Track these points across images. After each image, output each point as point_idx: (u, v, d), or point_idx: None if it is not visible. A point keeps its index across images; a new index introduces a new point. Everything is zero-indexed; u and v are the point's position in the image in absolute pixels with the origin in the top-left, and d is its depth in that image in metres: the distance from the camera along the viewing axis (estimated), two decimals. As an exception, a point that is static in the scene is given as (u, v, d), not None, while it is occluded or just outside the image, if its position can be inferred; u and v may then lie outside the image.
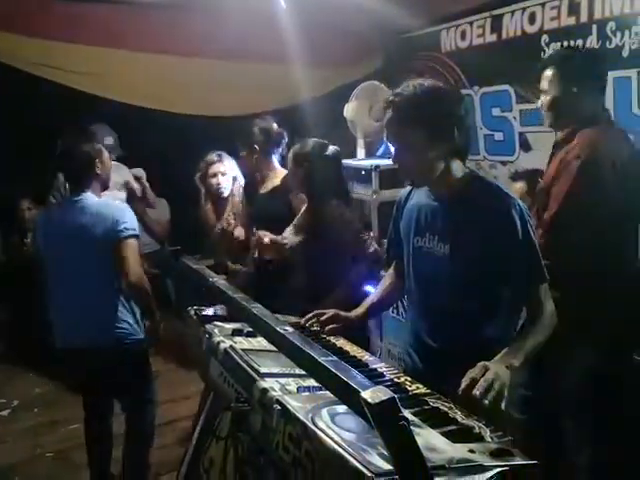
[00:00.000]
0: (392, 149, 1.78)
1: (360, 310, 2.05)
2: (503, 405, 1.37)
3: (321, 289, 2.42)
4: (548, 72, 2.35)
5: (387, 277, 2.12)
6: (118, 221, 2.48)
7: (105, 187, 2.71)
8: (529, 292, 1.69)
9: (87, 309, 2.53)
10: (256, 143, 3.18)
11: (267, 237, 2.73)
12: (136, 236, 2.53)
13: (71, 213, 2.54)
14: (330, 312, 1.99)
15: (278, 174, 3.18)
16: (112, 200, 2.74)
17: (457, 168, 1.74)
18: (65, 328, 2.59)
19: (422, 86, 1.68)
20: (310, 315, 1.99)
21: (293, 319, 1.99)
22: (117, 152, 3.94)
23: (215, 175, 3.48)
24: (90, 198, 2.55)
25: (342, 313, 2.00)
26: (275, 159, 3.24)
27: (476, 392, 1.36)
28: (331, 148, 2.65)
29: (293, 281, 2.64)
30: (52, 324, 2.63)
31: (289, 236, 2.67)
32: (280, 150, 3.24)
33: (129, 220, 2.52)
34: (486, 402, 1.36)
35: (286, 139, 3.24)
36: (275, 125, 3.24)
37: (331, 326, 1.95)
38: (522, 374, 1.71)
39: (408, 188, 1.95)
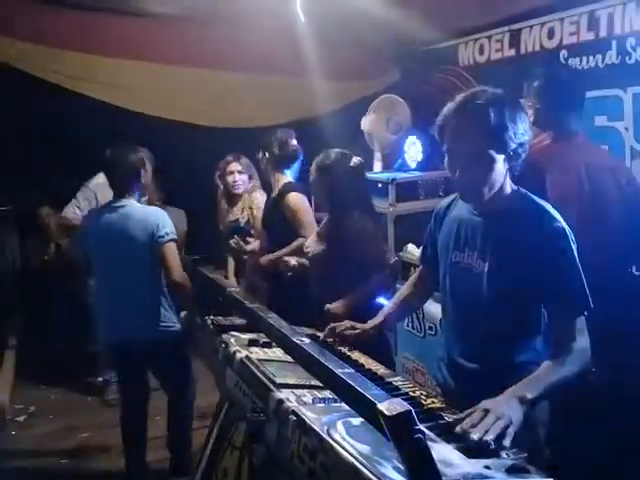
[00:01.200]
0: (451, 161, 1.63)
1: (377, 320, 2.02)
2: (508, 443, 1.26)
3: (337, 299, 2.42)
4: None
5: (408, 285, 2.08)
6: (159, 226, 2.75)
7: (144, 194, 3.00)
8: (563, 322, 1.58)
9: (134, 304, 2.82)
10: (268, 151, 3.28)
11: (293, 260, 2.81)
12: (175, 240, 2.80)
13: (117, 218, 2.80)
14: (344, 324, 1.98)
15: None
16: (151, 207, 2.98)
17: (507, 184, 1.65)
18: (112, 322, 2.90)
19: (493, 95, 1.58)
20: (326, 332, 1.98)
21: (308, 331, 1.99)
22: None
23: (232, 173, 3.78)
24: (133, 204, 2.82)
25: (358, 325, 1.99)
26: (287, 173, 3.30)
27: (473, 437, 1.26)
28: (355, 159, 2.66)
29: (311, 290, 2.64)
30: (97, 320, 3.05)
31: (312, 244, 2.68)
32: (294, 166, 3.31)
33: (169, 226, 2.79)
34: (489, 445, 1.24)
35: (301, 156, 3.31)
36: (293, 140, 3.30)
37: (348, 332, 1.95)
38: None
39: (448, 199, 1.87)
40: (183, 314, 2.90)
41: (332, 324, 2.01)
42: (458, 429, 1.30)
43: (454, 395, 1.66)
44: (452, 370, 1.80)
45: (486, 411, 1.33)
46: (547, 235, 1.58)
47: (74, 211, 3.87)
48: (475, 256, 1.68)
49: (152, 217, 2.78)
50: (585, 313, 1.58)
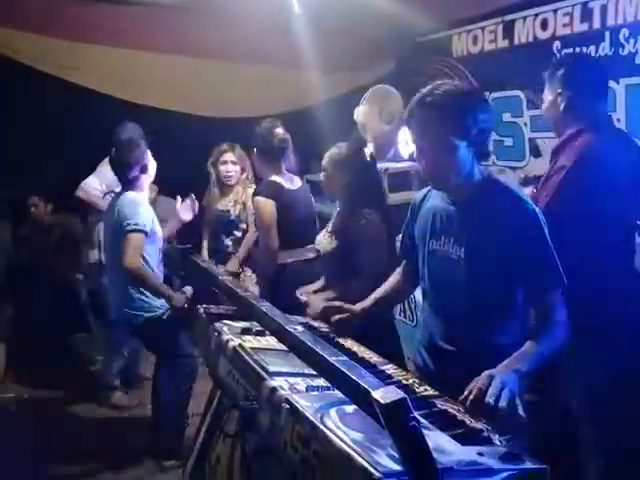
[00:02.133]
0: (417, 150, 1.73)
1: (365, 303, 2.04)
2: (520, 411, 1.33)
3: (350, 295, 2.41)
4: (546, 79, 2.40)
5: (395, 276, 2.12)
6: (126, 216, 2.90)
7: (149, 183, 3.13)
8: (541, 297, 1.66)
9: (116, 289, 3.10)
10: (255, 145, 3.23)
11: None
12: (138, 230, 2.88)
13: (111, 208, 3.04)
14: (335, 303, 2.02)
15: (291, 180, 3.23)
16: (138, 197, 3.02)
17: (477, 171, 1.73)
18: (108, 307, 3.34)
19: (456, 87, 1.68)
20: (322, 310, 2.02)
21: (301, 319, 1.99)
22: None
23: (225, 162, 3.75)
24: (125, 195, 2.98)
25: (347, 305, 2.00)
26: (280, 164, 3.22)
27: (489, 400, 1.32)
28: (366, 150, 2.64)
29: (327, 288, 2.61)
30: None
31: (323, 241, 2.66)
32: (284, 156, 3.22)
33: (135, 216, 2.89)
34: (501, 410, 1.31)
35: (290, 145, 3.24)
36: (280, 130, 3.22)
37: (338, 317, 1.96)
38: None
39: (424, 191, 1.93)
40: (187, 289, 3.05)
41: (324, 304, 2.04)
42: (468, 403, 1.35)
43: (435, 379, 1.68)
44: (433, 354, 1.84)
45: (491, 377, 1.39)
46: (519, 217, 1.65)
47: (98, 187, 3.75)
48: (451, 243, 1.74)
49: (125, 207, 2.93)
50: (560, 288, 1.65)
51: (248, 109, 4.25)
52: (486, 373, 1.41)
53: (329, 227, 2.72)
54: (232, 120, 4.31)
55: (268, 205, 3.06)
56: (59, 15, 3.71)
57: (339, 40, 4.23)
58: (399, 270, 2.12)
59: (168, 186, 4.28)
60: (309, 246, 3.00)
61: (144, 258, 2.94)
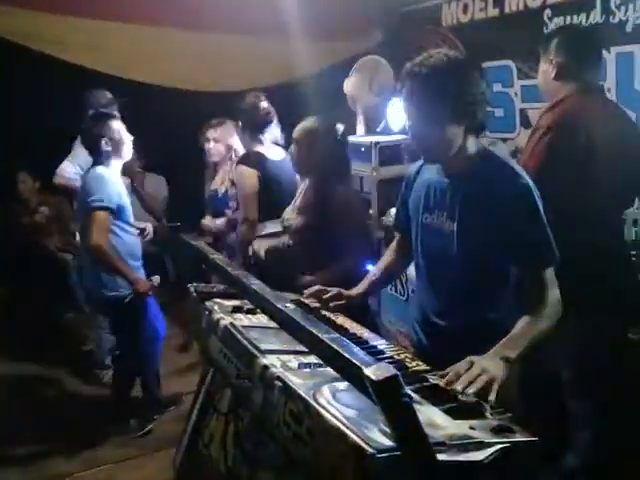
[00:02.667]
0: (408, 122, 1.70)
1: (362, 287, 2.04)
2: (492, 398, 1.30)
3: (326, 269, 2.41)
4: (541, 51, 2.40)
5: (389, 252, 2.10)
6: (90, 193, 2.87)
7: (121, 157, 3.07)
8: (534, 275, 1.63)
9: (86, 265, 3.09)
10: (240, 119, 3.21)
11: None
12: (103, 208, 2.85)
13: (82, 184, 3.04)
14: (334, 290, 1.97)
15: (275, 151, 3.20)
16: (105, 172, 2.97)
17: (472, 145, 1.69)
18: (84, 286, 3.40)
19: (446, 57, 1.61)
20: (312, 291, 1.97)
21: (293, 296, 1.98)
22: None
23: (208, 140, 3.68)
24: (93, 170, 2.95)
25: (345, 291, 1.98)
26: (264, 137, 3.22)
27: (457, 387, 1.31)
28: (339, 127, 2.62)
29: (296, 262, 2.62)
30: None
31: (292, 217, 2.64)
32: (269, 129, 3.22)
33: (99, 192, 2.85)
34: (468, 396, 1.29)
35: (274, 118, 3.23)
36: (264, 103, 3.20)
37: (335, 303, 1.93)
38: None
39: (418, 163, 1.91)
40: (155, 278, 3.08)
41: (319, 287, 1.98)
42: (443, 382, 1.34)
43: (429, 354, 1.68)
44: (426, 329, 1.85)
45: (471, 363, 1.37)
46: (513, 192, 1.63)
47: (73, 170, 3.67)
48: (444, 216, 1.73)
49: (90, 183, 2.92)
50: (553, 265, 1.63)
51: (235, 82, 4.17)
52: (468, 358, 1.39)
53: (297, 202, 2.69)
54: (220, 94, 4.23)
55: (251, 174, 3.07)
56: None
57: (327, 10, 4.14)
58: (393, 246, 2.10)
59: (154, 162, 4.24)
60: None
61: (115, 234, 2.94)
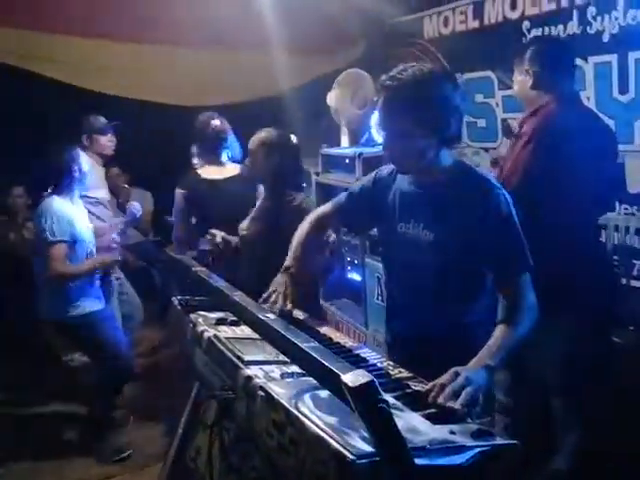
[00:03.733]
0: (382, 134, 1.74)
1: (294, 255, 1.94)
2: (478, 409, 1.32)
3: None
4: (516, 62, 2.48)
5: (312, 221, 2.01)
6: (44, 227, 3.01)
7: (84, 188, 3.24)
8: (509, 284, 1.65)
9: (44, 287, 3.18)
10: (194, 139, 3.31)
11: (219, 236, 2.80)
12: (58, 242, 3.00)
13: (37, 211, 3.16)
14: (274, 285, 1.88)
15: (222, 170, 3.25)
16: (58, 205, 3.10)
17: (446, 156, 1.71)
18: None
19: (419, 71, 1.62)
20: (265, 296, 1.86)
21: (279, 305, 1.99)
22: (107, 132, 3.81)
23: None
24: (46, 202, 3.09)
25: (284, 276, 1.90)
26: (220, 155, 3.24)
27: (440, 400, 1.31)
28: (293, 137, 2.69)
29: (251, 271, 2.62)
30: None
31: (248, 225, 2.67)
32: (224, 150, 3.24)
33: (52, 227, 3.00)
34: (456, 407, 1.28)
35: (227, 136, 3.25)
36: (216, 121, 3.23)
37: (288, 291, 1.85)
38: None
39: (390, 167, 1.89)
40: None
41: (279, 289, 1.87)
42: (430, 398, 1.33)
43: (406, 363, 1.68)
44: (401, 337, 1.86)
45: (456, 374, 1.37)
46: (488, 202, 1.65)
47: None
48: (420, 227, 1.74)
49: (43, 216, 3.05)
50: (526, 272, 1.64)
51: (216, 97, 4.20)
52: (453, 369, 1.39)
53: (252, 213, 2.74)
54: (203, 108, 4.25)
55: (178, 195, 3.17)
56: (19, 4, 3.62)
57: (309, 24, 4.19)
58: (316, 216, 2.03)
59: (136, 177, 4.24)
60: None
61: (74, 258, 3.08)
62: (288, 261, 1.94)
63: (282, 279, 1.89)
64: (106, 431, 3.21)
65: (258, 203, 2.77)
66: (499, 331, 1.57)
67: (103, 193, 3.75)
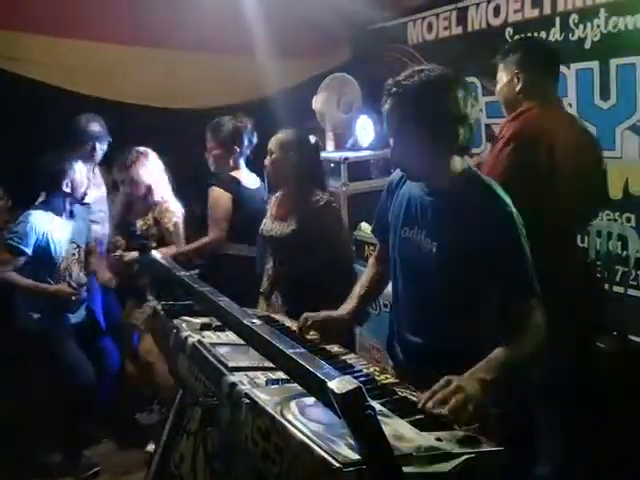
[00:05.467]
0: (389, 139, 1.66)
1: (351, 305, 1.92)
2: (466, 419, 1.28)
3: (308, 277, 2.45)
4: (500, 63, 2.46)
5: (371, 265, 2.03)
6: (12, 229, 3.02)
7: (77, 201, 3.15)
8: (512, 306, 1.58)
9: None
10: (218, 139, 3.20)
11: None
12: (12, 247, 2.95)
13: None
14: (321, 315, 1.85)
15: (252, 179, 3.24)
16: (36, 219, 3.04)
17: (456, 164, 1.65)
18: None
19: (428, 76, 1.56)
20: (302, 322, 1.85)
21: (261, 313, 1.98)
22: (106, 139, 3.78)
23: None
24: (28, 213, 3.03)
25: (334, 314, 1.89)
26: (242, 161, 3.25)
27: (429, 405, 1.30)
28: (312, 137, 2.68)
29: (279, 273, 2.64)
30: None
31: (273, 227, 2.66)
32: (246, 153, 3.25)
33: (17, 232, 2.97)
34: (443, 413, 1.28)
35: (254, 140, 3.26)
36: (248, 127, 3.24)
37: (328, 334, 1.83)
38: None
39: (400, 173, 1.84)
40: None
41: (306, 314, 1.86)
42: (419, 404, 1.32)
43: (406, 371, 1.68)
44: (402, 345, 1.81)
45: (448, 382, 1.35)
46: (495, 218, 1.59)
47: None
48: (424, 234, 1.69)
49: (19, 221, 3.01)
50: (532, 298, 1.57)
51: (202, 100, 4.19)
52: (445, 377, 1.37)
53: (274, 213, 2.73)
54: (189, 111, 4.23)
55: (226, 198, 3.08)
56: (7, 6, 3.58)
57: (294, 29, 4.19)
58: (373, 261, 2.04)
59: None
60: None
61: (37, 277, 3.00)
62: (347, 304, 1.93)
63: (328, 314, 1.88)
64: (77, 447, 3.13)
65: (275, 204, 2.75)
66: (499, 349, 1.50)
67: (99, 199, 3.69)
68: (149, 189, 3.25)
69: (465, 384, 1.36)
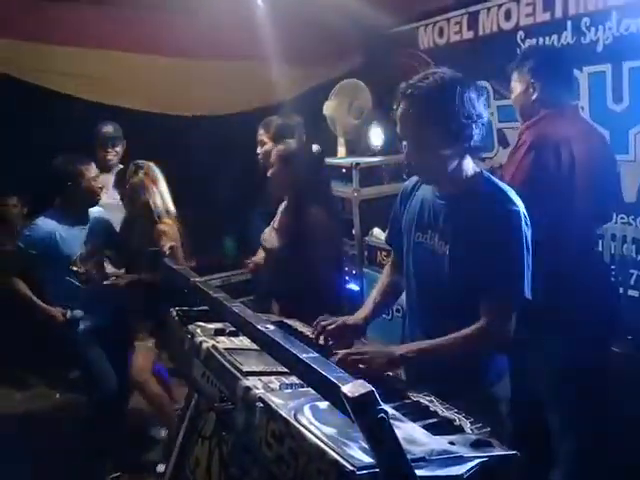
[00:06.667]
0: (403, 142, 1.69)
1: (365, 311, 1.95)
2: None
3: (302, 291, 2.42)
4: (514, 71, 2.49)
5: (386, 273, 2.05)
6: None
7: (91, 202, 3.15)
8: (487, 302, 1.61)
9: None
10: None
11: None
12: (18, 249, 3.02)
13: None
14: (338, 321, 1.86)
15: None
16: (43, 225, 3.06)
17: (468, 167, 1.67)
18: None
19: (442, 78, 1.58)
20: (318, 328, 1.87)
21: (275, 318, 1.99)
22: (120, 141, 3.86)
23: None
24: (37, 220, 3.08)
25: (350, 320, 1.90)
26: None
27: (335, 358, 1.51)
28: (315, 148, 2.65)
29: (274, 283, 2.63)
30: None
31: (269, 238, 2.66)
32: None
33: (24, 236, 3.04)
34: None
35: None
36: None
37: (343, 339, 1.86)
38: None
39: (414, 179, 1.88)
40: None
41: (322, 321, 1.88)
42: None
43: (420, 374, 1.68)
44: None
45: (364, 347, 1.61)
46: (501, 218, 1.60)
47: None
48: (437, 238, 1.70)
49: (28, 227, 3.09)
50: (512, 300, 1.61)
51: (218, 107, 4.22)
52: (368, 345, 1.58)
53: (275, 224, 2.72)
54: (200, 118, 4.27)
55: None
56: (24, 16, 3.63)
57: (305, 35, 4.22)
58: (388, 268, 2.05)
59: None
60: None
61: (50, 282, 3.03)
62: (360, 310, 1.97)
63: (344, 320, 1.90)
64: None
65: (279, 212, 2.75)
66: (446, 337, 1.60)
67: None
68: (148, 209, 3.13)
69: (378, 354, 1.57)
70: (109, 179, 3.49)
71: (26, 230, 3.08)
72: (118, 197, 3.54)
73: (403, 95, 1.61)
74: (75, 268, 3.05)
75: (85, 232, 3.15)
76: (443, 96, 1.56)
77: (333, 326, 1.85)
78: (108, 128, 3.76)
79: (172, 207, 3.19)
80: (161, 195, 3.15)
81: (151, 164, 3.20)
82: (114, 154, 3.75)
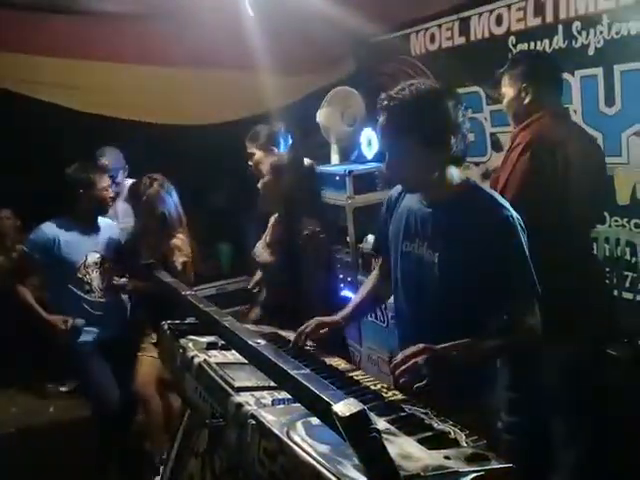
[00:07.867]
0: (386, 154, 1.70)
1: (346, 311, 1.98)
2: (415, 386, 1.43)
3: (297, 303, 2.42)
4: (505, 75, 2.52)
5: (370, 279, 2.06)
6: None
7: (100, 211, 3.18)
8: (511, 308, 1.63)
9: None
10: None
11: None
12: (25, 251, 3.07)
13: None
14: (312, 323, 1.90)
15: None
16: (47, 230, 3.08)
17: (453, 175, 1.67)
18: None
19: (418, 89, 1.60)
20: (296, 337, 1.88)
21: (267, 329, 1.97)
22: (121, 170, 3.87)
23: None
24: (43, 225, 3.07)
25: (325, 318, 1.93)
26: None
27: (394, 370, 1.45)
28: (307, 161, 2.65)
29: (267, 298, 2.62)
30: None
31: (261, 253, 2.65)
32: None
33: (30, 240, 3.06)
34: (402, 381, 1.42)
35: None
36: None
37: (321, 331, 1.88)
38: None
39: (399, 187, 1.87)
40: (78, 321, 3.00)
41: (300, 329, 1.89)
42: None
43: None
44: None
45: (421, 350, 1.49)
46: (494, 223, 1.60)
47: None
48: (425, 246, 1.70)
49: (33, 231, 3.10)
50: (533, 299, 1.62)
51: (209, 116, 4.21)
52: (421, 345, 1.49)
53: (267, 238, 2.71)
54: (190, 127, 4.26)
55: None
56: (18, 29, 3.62)
57: (296, 43, 4.22)
58: (375, 273, 2.07)
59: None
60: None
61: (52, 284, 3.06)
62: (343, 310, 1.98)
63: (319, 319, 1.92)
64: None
65: (270, 226, 2.73)
66: (485, 337, 1.60)
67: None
68: (163, 221, 3.13)
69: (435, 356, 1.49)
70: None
71: (31, 234, 3.08)
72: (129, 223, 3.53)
73: (381, 106, 1.63)
74: (80, 275, 3.04)
75: (93, 240, 3.13)
76: (419, 107, 1.58)
77: (309, 328, 1.87)
78: (109, 160, 3.75)
79: (184, 218, 3.23)
80: (176, 206, 3.18)
81: (163, 177, 3.22)
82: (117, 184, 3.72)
